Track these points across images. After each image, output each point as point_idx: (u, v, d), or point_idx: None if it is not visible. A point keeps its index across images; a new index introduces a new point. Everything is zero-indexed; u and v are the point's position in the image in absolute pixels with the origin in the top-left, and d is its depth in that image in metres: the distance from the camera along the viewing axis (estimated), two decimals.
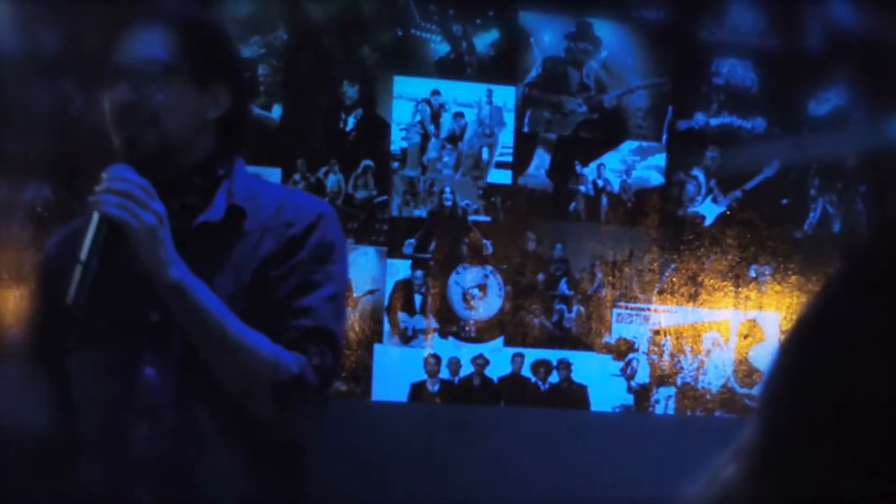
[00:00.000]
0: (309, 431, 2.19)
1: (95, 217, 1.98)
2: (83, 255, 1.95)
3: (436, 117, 4.74)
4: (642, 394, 4.72)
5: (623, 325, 4.73)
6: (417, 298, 4.65)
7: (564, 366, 4.68)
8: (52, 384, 2.21)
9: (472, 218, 4.71)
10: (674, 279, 4.74)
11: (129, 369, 2.11)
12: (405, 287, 4.67)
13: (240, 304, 2.10)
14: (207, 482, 2.10)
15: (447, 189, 4.70)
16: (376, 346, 4.64)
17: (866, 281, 0.93)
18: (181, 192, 2.19)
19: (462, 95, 4.75)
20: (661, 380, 4.73)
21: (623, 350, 4.72)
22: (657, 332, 4.73)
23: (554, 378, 4.68)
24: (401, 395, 4.45)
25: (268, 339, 2.07)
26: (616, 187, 4.77)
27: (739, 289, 4.73)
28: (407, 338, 4.63)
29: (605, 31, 4.79)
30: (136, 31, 2.17)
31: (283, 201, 2.23)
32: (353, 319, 4.63)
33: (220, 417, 2.10)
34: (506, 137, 4.74)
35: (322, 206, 2.27)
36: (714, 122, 4.79)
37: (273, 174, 4.65)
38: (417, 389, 4.58)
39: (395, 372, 4.48)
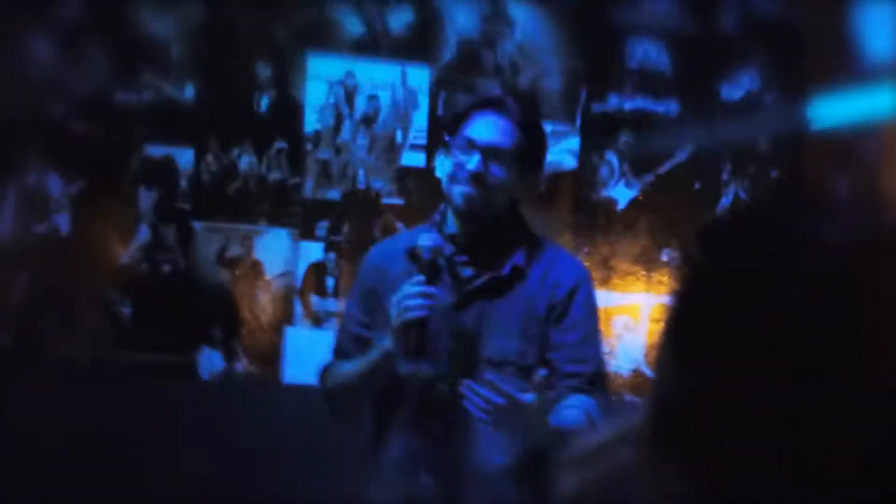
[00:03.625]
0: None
1: None
2: None
3: (350, 99, 4.70)
4: None
5: None
6: (330, 281, 4.62)
7: None
8: None
9: (385, 200, 4.68)
10: (586, 263, 4.74)
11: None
12: (317, 270, 4.64)
13: (521, 343, 2.80)
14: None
15: (361, 171, 4.67)
16: (287, 329, 4.61)
17: (711, 268, 0.94)
18: (491, 251, 2.85)
19: (377, 77, 4.71)
20: None
21: None
22: None
23: None
24: (312, 377, 4.41)
25: (581, 410, 2.72)
26: None
27: (651, 273, 4.74)
28: (319, 320, 4.60)
29: (520, 12, 4.77)
30: (492, 119, 2.82)
31: (550, 265, 2.86)
32: (265, 302, 4.60)
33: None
34: (420, 120, 4.71)
35: (581, 272, 2.92)
36: (628, 104, 4.78)
37: (186, 154, 4.60)
38: None
39: (306, 354, 4.44)
